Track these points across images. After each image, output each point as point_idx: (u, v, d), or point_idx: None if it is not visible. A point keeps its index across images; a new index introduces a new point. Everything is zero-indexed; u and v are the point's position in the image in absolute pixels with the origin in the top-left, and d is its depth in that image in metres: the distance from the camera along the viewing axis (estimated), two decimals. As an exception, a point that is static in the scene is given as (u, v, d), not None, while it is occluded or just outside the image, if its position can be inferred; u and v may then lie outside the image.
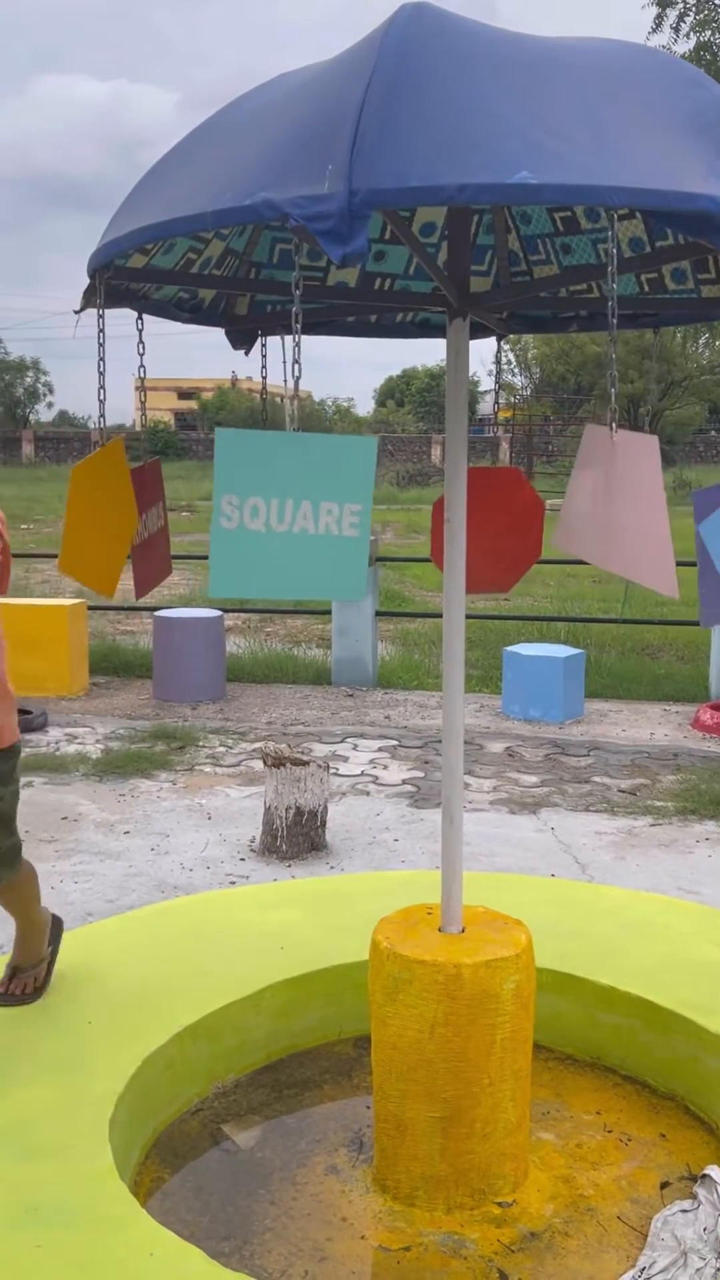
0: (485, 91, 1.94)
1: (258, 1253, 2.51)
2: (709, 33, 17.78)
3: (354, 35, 2.51)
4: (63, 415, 68.42)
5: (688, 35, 17.86)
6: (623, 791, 6.38)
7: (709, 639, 8.89)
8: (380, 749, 7.25)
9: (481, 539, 2.94)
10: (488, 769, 6.80)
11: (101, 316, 2.46)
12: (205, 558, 11.95)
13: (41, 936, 3.19)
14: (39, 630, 8.52)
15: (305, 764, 5.22)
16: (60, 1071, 2.79)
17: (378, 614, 9.36)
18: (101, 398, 2.56)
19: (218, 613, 8.98)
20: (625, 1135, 2.96)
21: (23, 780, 6.40)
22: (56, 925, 3.29)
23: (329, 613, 9.50)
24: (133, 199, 2.31)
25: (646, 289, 2.98)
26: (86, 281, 2.45)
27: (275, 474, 2.05)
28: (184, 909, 3.87)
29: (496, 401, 3.49)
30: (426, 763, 6.92)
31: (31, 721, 7.59)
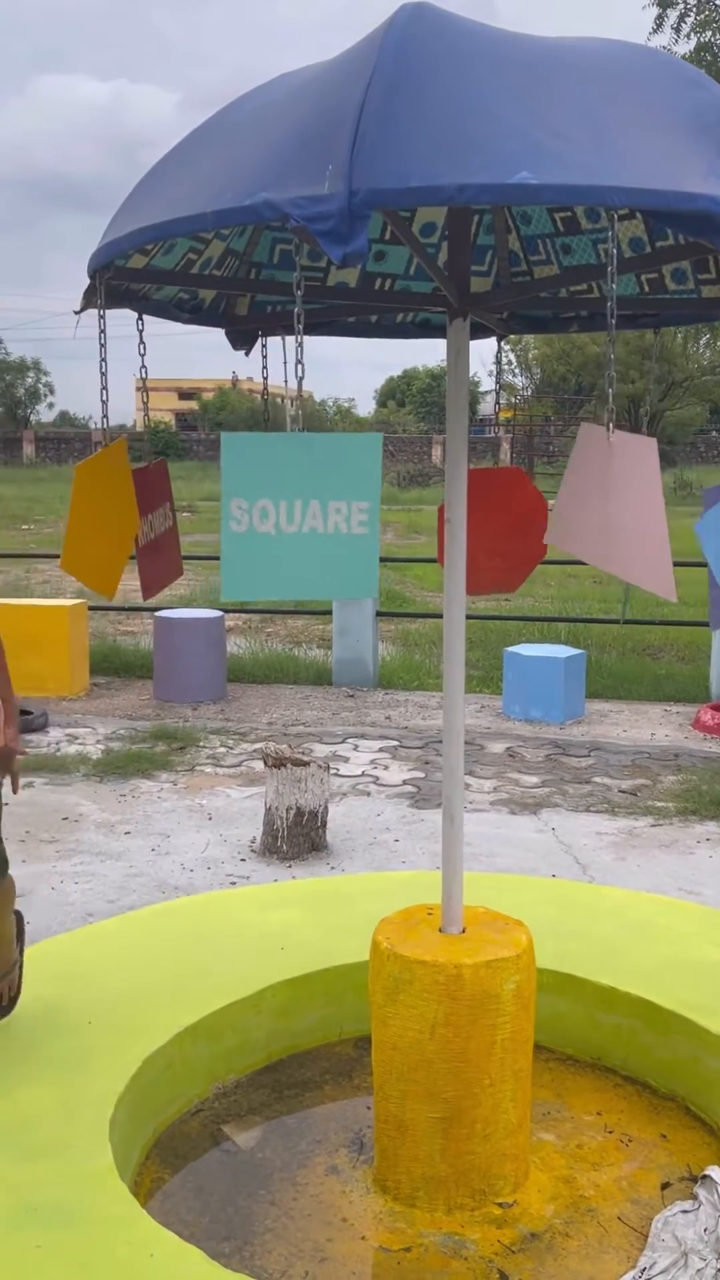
0: (485, 91, 1.94)
1: (258, 1253, 2.50)
2: (709, 33, 17.77)
3: (354, 35, 2.51)
4: (64, 415, 68.45)
5: (688, 36, 17.85)
6: (623, 792, 6.37)
7: (709, 639, 8.89)
8: (381, 749, 7.25)
9: (486, 539, 2.94)
10: (488, 769, 6.80)
11: (102, 317, 2.47)
12: (206, 558, 11.95)
13: (11, 945, 3.15)
14: (39, 630, 8.52)
15: (306, 764, 5.22)
16: (60, 1071, 2.79)
17: (378, 614, 9.36)
18: (104, 398, 2.56)
19: (218, 613, 8.98)
20: (626, 1136, 2.96)
21: (23, 780, 6.41)
22: (20, 925, 3.24)
23: (329, 613, 9.51)
24: (133, 199, 2.31)
25: (647, 289, 2.97)
26: (87, 282, 2.45)
27: (282, 475, 2.05)
28: (184, 909, 3.87)
29: (498, 402, 3.49)
30: (427, 763, 6.92)
31: (32, 722, 7.59)
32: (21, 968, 3.14)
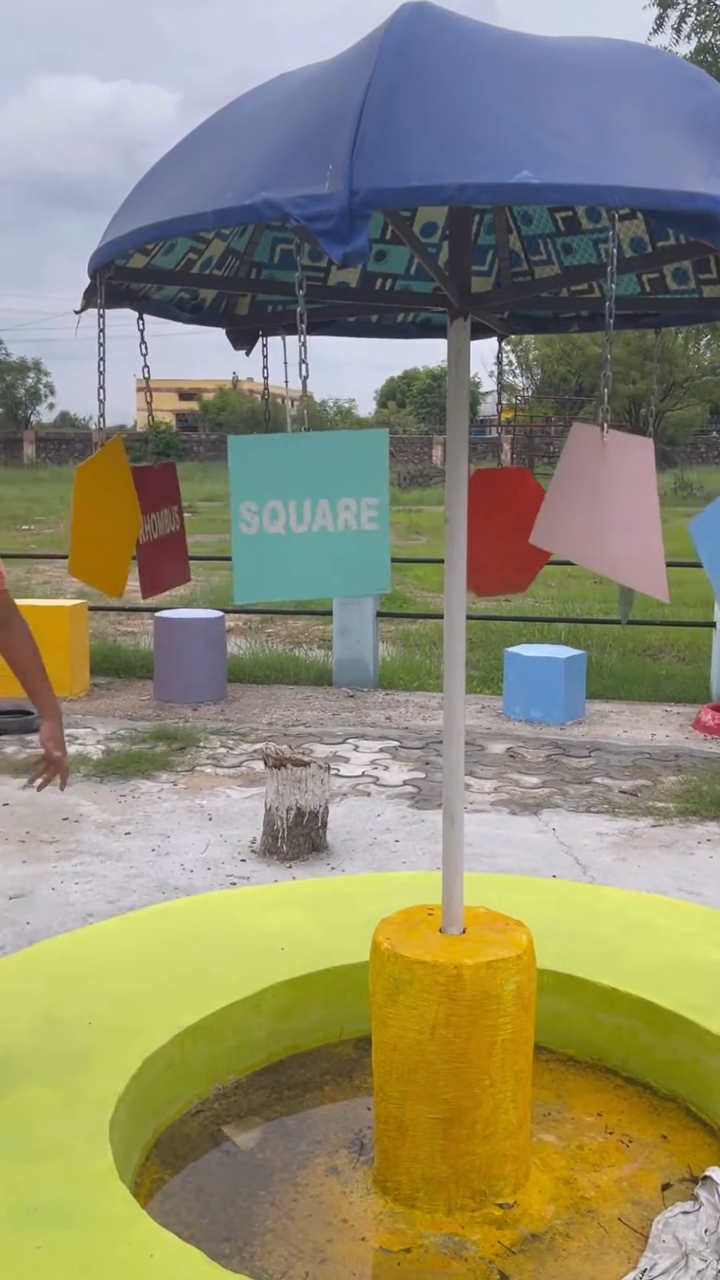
0: (486, 91, 1.94)
1: (258, 1254, 2.50)
2: (710, 34, 17.77)
3: (354, 35, 2.50)
4: (64, 416, 68.47)
5: (688, 37, 17.86)
6: (624, 792, 6.37)
7: (710, 640, 8.89)
8: (381, 750, 7.25)
9: (494, 539, 2.94)
10: (489, 770, 6.79)
11: (102, 316, 2.46)
12: (208, 559, 11.97)
13: None
14: (40, 631, 8.40)
15: (306, 765, 5.22)
16: (60, 1071, 2.79)
17: (379, 615, 9.36)
18: (101, 398, 2.56)
19: (218, 613, 8.98)
20: (626, 1137, 2.95)
21: (24, 780, 6.40)
22: None
23: (330, 614, 9.51)
24: (133, 199, 2.31)
25: (648, 289, 2.97)
26: (87, 282, 2.45)
27: (290, 476, 2.06)
28: (185, 910, 3.87)
29: (500, 401, 3.49)
30: (427, 764, 6.92)
31: (32, 722, 7.58)
32: None
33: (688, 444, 43.79)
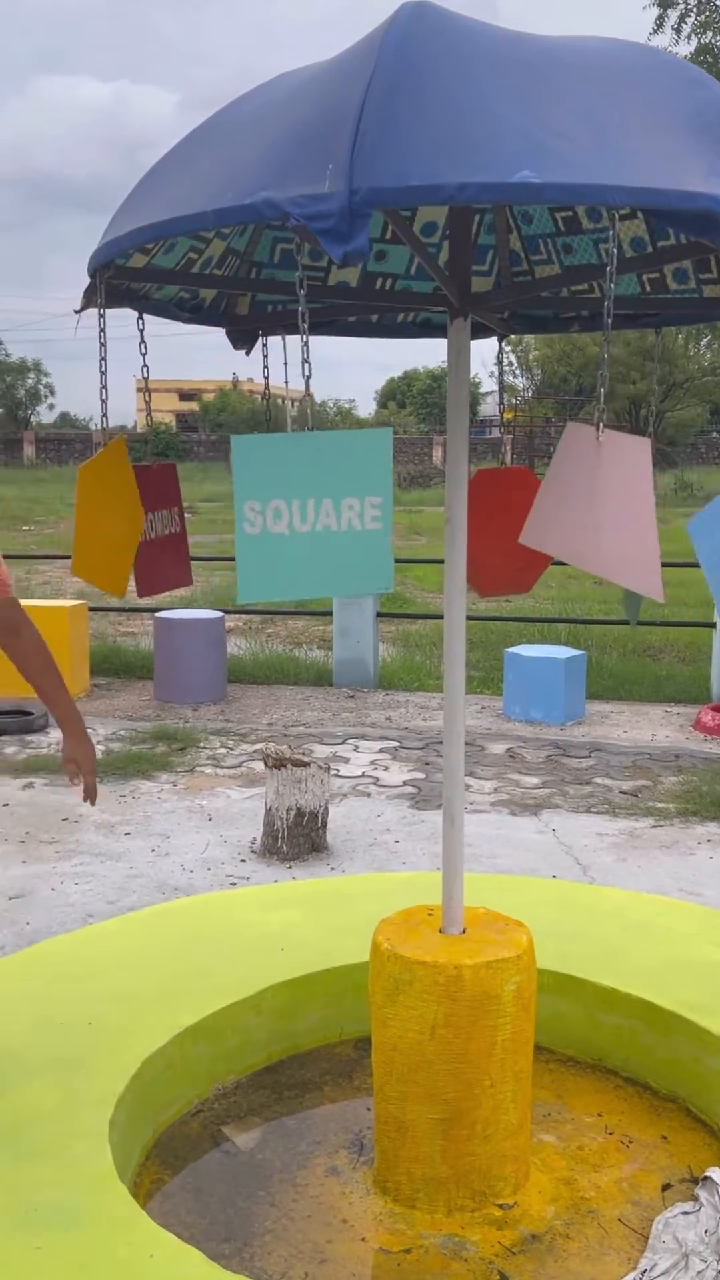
0: (486, 91, 1.94)
1: (258, 1254, 2.50)
2: (710, 34, 17.76)
3: (354, 35, 2.50)
4: (64, 417, 68.46)
5: (689, 38, 17.85)
6: (624, 793, 6.37)
7: (711, 641, 8.89)
8: (381, 750, 7.25)
9: (496, 539, 2.94)
10: (489, 770, 6.79)
11: (102, 316, 2.46)
12: (208, 559, 11.93)
13: None
14: (40, 631, 8.50)
15: (306, 765, 5.22)
16: (60, 1072, 2.79)
17: (379, 615, 9.36)
18: (104, 397, 2.56)
19: (218, 614, 8.98)
20: (626, 1137, 2.95)
21: (24, 781, 6.41)
22: None
23: (330, 614, 9.51)
24: (133, 199, 2.31)
25: (648, 289, 2.97)
26: (87, 282, 2.45)
27: (294, 475, 2.06)
28: (184, 910, 3.87)
29: (501, 401, 3.49)
30: (427, 764, 6.92)
31: (32, 723, 7.59)
32: None
33: (688, 444, 43.78)
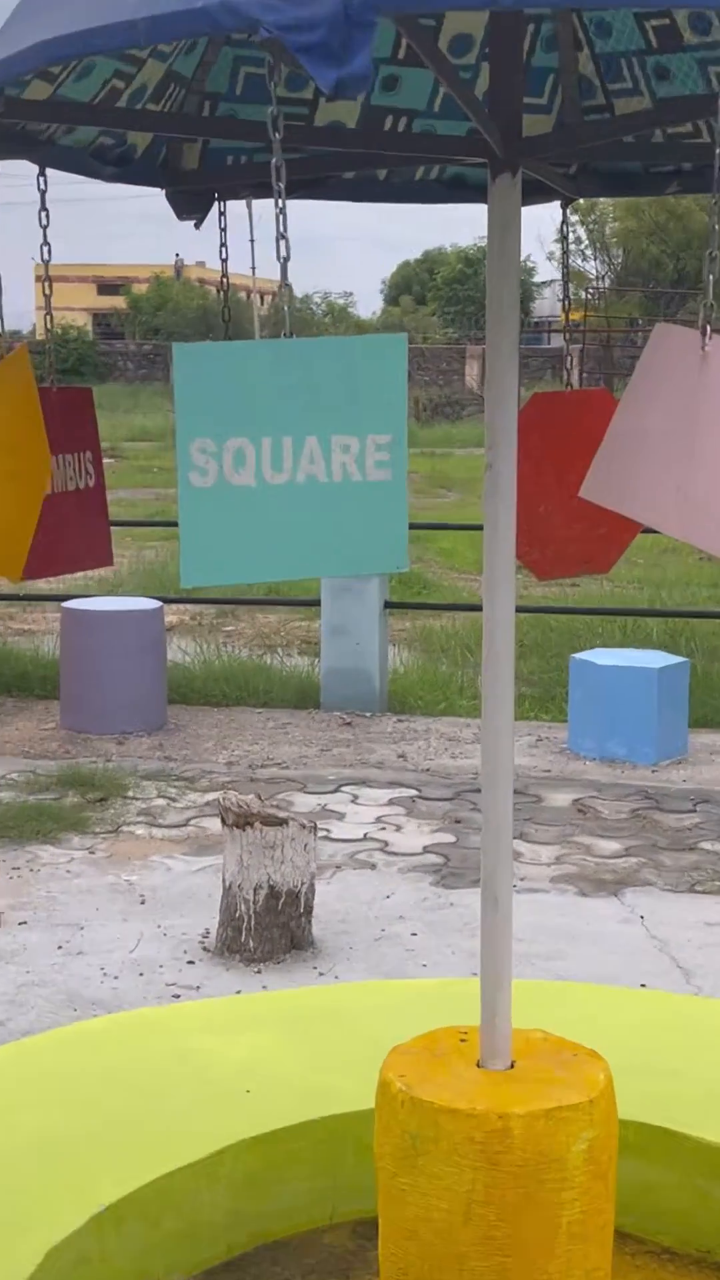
0: None
1: None
2: None
3: None
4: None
5: None
6: (744, 864, 6.39)
7: None
8: (391, 802, 7.25)
9: (559, 496, 2.94)
10: (549, 831, 6.80)
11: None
12: (137, 524, 11.96)
13: None
14: None
15: (282, 824, 5.22)
16: None
17: (387, 606, 9.36)
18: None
19: (154, 603, 8.99)
20: None
21: None
22: None
23: (317, 603, 9.51)
24: (29, 3, 2.31)
25: (780, 131, 2.98)
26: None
27: (264, 402, 2.06)
28: (105, 1034, 3.87)
29: (566, 295, 3.49)
30: (458, 822, 6.92)
31: None
32: None
33: None
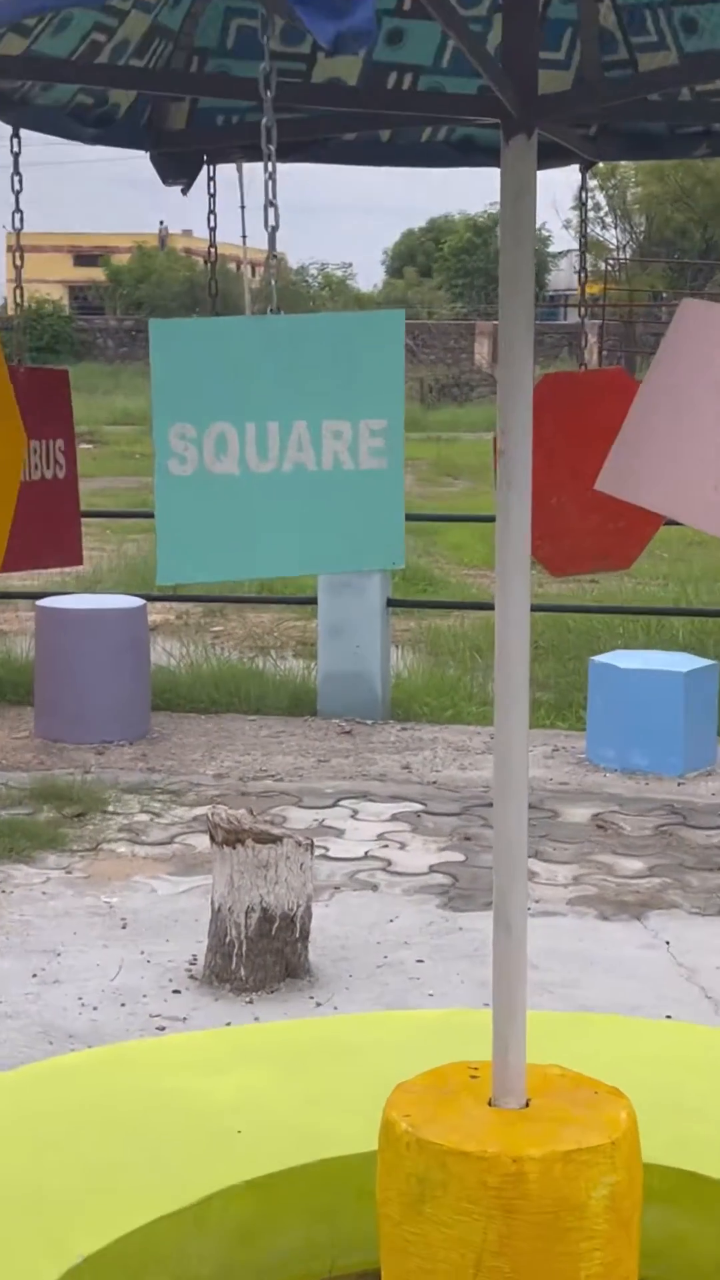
0: None
1: None
2: None
3: None
4: None
5: None
6: (779, 885, 6.39)
7: None
8: (395, 817, 7.25)
9: (575, 486, 2.94)
10: (566, 849, 6.80)
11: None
12: (117, 515, 11.97)
13: None
14: None
15: (276, 841, 5.23)
16: None
17: (390, 604, 9.36)
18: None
19: (136, 601, 8.99)
20: None
21: None
22: None
23: (314, 601, 9.51)
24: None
25: None
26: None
27: (248, 384, 2.07)
28: (83, 1070, 3.87)
29: (584, 266, 3.49)
30: (468, 839, 6.92)
31: None
32: None
33: None
